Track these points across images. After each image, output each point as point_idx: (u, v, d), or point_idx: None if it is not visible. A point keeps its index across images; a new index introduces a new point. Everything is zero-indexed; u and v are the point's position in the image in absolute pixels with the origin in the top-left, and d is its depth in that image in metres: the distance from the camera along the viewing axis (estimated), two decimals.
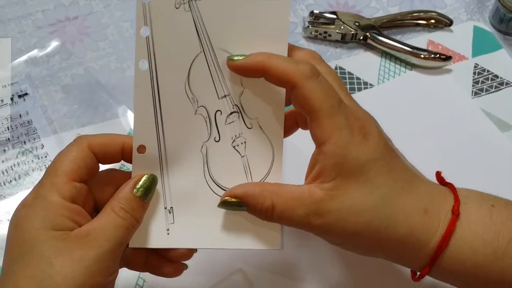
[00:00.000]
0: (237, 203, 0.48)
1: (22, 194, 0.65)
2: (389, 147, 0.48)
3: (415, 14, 0.81)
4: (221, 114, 0.49)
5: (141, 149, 0.49)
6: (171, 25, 0.47)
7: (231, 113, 0.49)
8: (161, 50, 0.47)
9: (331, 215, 0.45)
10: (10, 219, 0.46)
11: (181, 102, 0.48)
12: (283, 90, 0.48)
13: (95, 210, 0.49)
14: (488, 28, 0.81)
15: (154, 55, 0.47)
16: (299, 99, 0.46)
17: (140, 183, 0.48)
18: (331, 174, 0.45)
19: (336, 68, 0.77)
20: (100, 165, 0.50)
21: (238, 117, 0.49)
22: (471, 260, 0.46)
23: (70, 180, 0.46)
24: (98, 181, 0.49)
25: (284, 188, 0.47)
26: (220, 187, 0.50)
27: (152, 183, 0.48)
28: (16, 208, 0.46)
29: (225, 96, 0.49)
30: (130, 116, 0.72)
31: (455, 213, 0.47)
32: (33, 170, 0.68)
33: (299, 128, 0.53)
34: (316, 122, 0.45)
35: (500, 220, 0.47)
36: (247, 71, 0.47)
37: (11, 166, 0.68)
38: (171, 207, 0.50)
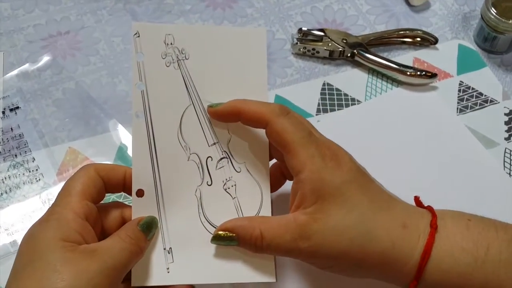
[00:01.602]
0: (228, 237, 0.51)
1: (12, 207, 0.66)
2: (362, 172, 0.51)
3: (401, 32, 0.83)
4: (211, 160, 0.54)
5: (140, 193, 0.53)
6: (163, 81, 0.54)
7: (221, 158, 0.55)
8: (154, 103, 0.54)
9: (317, 236, 0.48)
10: (25, 233, 0.49)
11: (175, 149, 0.54)
12: (265, 136, 0.53)
13: (102, 235, 0.52)
14: (472, 46, 0.83)
15: (149, 107, 0.53)
16: (273, 135, 0.50)
17: (144, 220, 0.52)
18: (311, 199, 0.48)
19: (324, 84, 0.78)
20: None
21: (227, 162, 0.54)
22: (454, 270, 0.48)
23: (82, 199, 0.50)
24: (106, 209, 0.53)
25: (270, 218, 0.51)
26: (215, 227, 0.53)
27: (153, 221, 0.52)
28: (33, 224, 0.49)
29: (214, 143, 0.54)
30: (121, 130, 0.72)
31: (433, 227, 0.49)
32: (24, 183, 0.68)
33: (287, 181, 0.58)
34: (290, 153, 0.49)
35: (477, 231, 0.49)
36: (225, 115, 0.53)
37: (2, 179, 0.68)
38: (170, 248, 0.53)
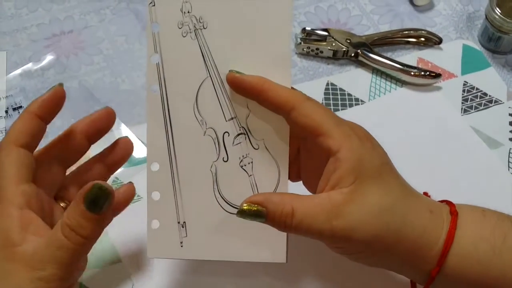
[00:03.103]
0: (255, 212, 0.47)
1: None
2: (389, 157, 0.50)
3: (405, 32, 0.82)
4: (228, 135, 0.52)
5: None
6: (179, 53, 0.51)
7: (238, 134, 0.52)
8: (170, 76, 0.51)
9: (353, 217, 0.46)
10: None
11: (190, 123, 0.52)
12: None
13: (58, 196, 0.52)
14: (477, 46, 0.83)
15: (164, 80, 0.51)
16: (301, 119, 0.48)
17: (87, 195, 0.45)
18: (349, 179, 0.47)
19: (327, 84, 0.78)
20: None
21: (245, 139, 0.52)
22: (473, 257, 0.48)
23: (18, 184, 0.47)
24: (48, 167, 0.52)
25: (303, 196, 0.48)
26: (229, 204, 0.53)
27: (100, 192, 0.46)
28: None
29: (232, 118, 0.52)
30: (124, 129, 0.72)
31: (454, 213, 0.49)
32: None
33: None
34: (324, 134, 0.47)
35: (493, 220, 0.49)
36: (245, 88, 0.50)
37: None
38: (184, 222, 0.53)
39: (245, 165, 0.53)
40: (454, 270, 0.48)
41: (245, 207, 0.48)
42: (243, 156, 0.53)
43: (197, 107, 0.52)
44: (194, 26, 0.51)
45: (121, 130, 0.72)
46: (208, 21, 0.51)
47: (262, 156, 0.53)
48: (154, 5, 0.51)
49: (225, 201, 0.53)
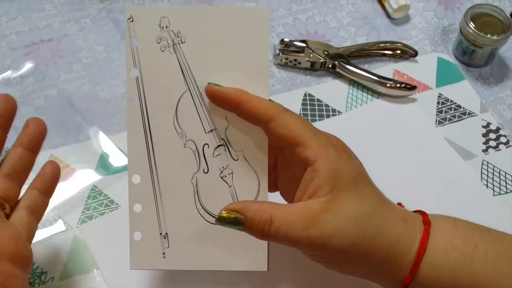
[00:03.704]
0: (234, 219, 0.48)
1: None
2: (364, 167, 0.52)
3: (382, 44, 0.84)
4: (208, 147, 0.53)
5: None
6: (158, 67, 0.52)
7: (218, 146, 0.53)
8: (149, 89, 0.52)
9: (330, 225, 0.47)
10: None
11: (170, 136, 0.53)
12: None
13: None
14: (451, 59, 0.84)
15: (144, 94, 0.52)
16: (279, 130, 0.49)
17: None
18: (326, 188, 0.48)
19: (305, 95, 0.79)
20: None
21: (225, 150, 0.53)
22: (445, 265, 0.49)
23: None
24: None
25: (281, 204, 0.49)
26: (211, 214, 0.54)
27: None
28: None
29: (211, 130, 0.53)
30: (102, 138, 0.72)
31: (427, 223, 0.50)
32: None
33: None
34: (302, 144, 0.49)
35: (464, 230, 0.51)
36: (223, 99, 0.51)
37: None
38: (166, 233, 0.54)
39: (225, 176, 0.53)
40: (427, 279, 0.49)
41: (223, 214, 0.48)
42: (223, 167, 0.53)
43: (177, 120, 0.53)
44: (173, 40, 0.52)
45: (99, 138, 0.73)
46: (186, 35, 0.52)
47: (241, 167, 0.54)
48: (132, 21, 0.52)
49: (206, 212, 0.53)
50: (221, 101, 0.51)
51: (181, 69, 0.52)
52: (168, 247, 0.54)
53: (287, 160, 0.53)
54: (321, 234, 0.47)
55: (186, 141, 0.53)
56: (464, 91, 0.81)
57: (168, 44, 0.52)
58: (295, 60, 0.81)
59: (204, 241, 0.54)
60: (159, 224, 0.53)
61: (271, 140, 0.52)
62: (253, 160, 0.54)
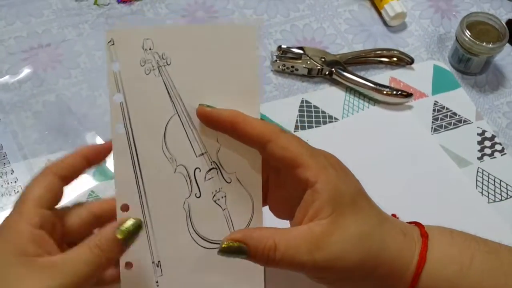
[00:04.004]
0: (237, 249, 0.47)
1: None
2: (360, 183, 0.52)
3: (378, 52, 0.84)
4: (200, 171, 0.51)
5: (125, 207, 0.51)
6: (143, 90, 0.50)
7: (210, 169, 0.52)
8: (135, 114, 0.50)
9: (334, 247, 0.47)
10: None
11: (159, 162, 0.51)
12: None
13: (64, 241, 0.50)
14: (447, 67, 0.85)
15: (129, 119, 0.50)
16: (277, 151, 0.48)
17: (125, 225, 0.48)
18: (328, 210, 0.47)
19: (302, 101, 0.79)
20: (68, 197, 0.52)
21: (217, 173, 0.52)
22: (443, 276, 0.49)
23: (37, 207, 0.48)
24: (68, 212, 0.51)
25: (282, 229, 0.48)
26: (205, 240, 0.52)
27: (137, 228, 0.48)
28: None
29: (202, 154, 0.52)
30: (100, 143, 0.73)
31: (424, 235, 0.50)
32: (2, 195, 0.68)
33: None
34: (301, 166, 0.48)
35: (461, 241, 0.51)
36: (217, 122, 0.50)
37: None
38: (159, 261, 0.52)
39: (218, 200, 0.52)
40: None
41: (225, 246, 0.47)
42: (216, 190, 0.52)
43: (166, 145, 0.51)
44: (157, 62, 0.50)
45: (97, 143, 0.73)
46: (171, 57, 0.50)
47: (235, 189, 0.52)
48: (113, 44, 0.49)
49: (200, 237, 0.52)
50: (214, 122, 0.50)
51: (168, 92, 0.50)
52: (161, 275, 0.52)
53: (281, 179, 0.52)
54: (326, 257, 0.47)
55: (177, 166, 0.51)
56: (460, 99, 0.82)
57: (153, 66, 0.50)
58: (292, 66, 0.81)
59: (199, 267, 0.52)
60: (151, 252, 0.52)
61: (266, 161, 0.52)
62: (246, 181, 0.52)
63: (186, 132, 0.51)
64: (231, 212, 0.52)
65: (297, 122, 0.77)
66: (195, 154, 0.51)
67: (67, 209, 0.52)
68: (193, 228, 0.52)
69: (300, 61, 0.81)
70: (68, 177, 0.51)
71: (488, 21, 0.82)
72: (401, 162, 0.75)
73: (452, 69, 0.85)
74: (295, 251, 0.47)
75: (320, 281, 0.50)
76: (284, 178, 0.51)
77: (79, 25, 0.84)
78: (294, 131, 0.76)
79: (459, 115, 0.80)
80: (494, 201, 0.72)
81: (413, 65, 0.84)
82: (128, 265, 0.52)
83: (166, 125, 0.51)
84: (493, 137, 0.78)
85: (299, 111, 0.78)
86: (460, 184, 0.73)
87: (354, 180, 0.50)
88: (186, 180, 0.51)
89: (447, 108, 0.80)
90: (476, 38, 0.79)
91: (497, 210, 0.71)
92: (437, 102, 0.81)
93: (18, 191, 0.68)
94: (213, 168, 0.52)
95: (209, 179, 0.52)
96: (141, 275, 0.52)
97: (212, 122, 0.50)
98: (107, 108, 0.76)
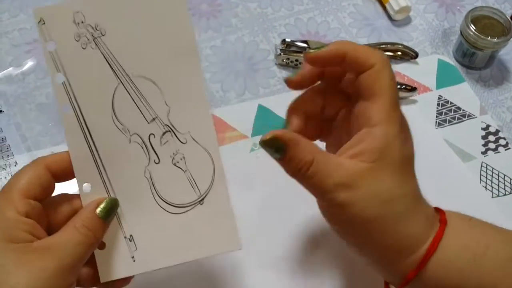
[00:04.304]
0: (278, 146, 0.47)
1: None
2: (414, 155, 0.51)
3: (383, 46, 0.84)
4: (154, 137, 0.51)
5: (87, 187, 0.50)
6: (83, 65, 0.49)
7: (164, 133, 0.51)
8: (80, 92, 0.49)
9: (360, 191, 0.47)
10: None
11: (113, 134, 0.50)
12: (204, 98, 0.51)
13: (47, 231, 0.49)
14: (451, 61, 0.84)
15: (75, 98, 0.49)
16: (370, 78, 0.48)
17: (102, 205, 0.49)
18: (372, 156, 0.47)
19: None
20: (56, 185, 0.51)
21: (171, 136, 0.51)
22: (454, 265, 0.48)
23: (24, 197, 0.47)
24: (53, 203, 0.50)
25: (323, 152, 0.48)
26: (172, 205, 0.51)
27: (113, 205, 0.50)
28: None
29: (153, 119, 0.51)
30: None
31: (443, 222, 0.50)
32: None
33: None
34: (376, 104, 0.48)
35: (478, 229, 0.50)
36: (327, 59, 0.50)
37: None
38: (131, 235, 0.51)
39: (178, 162, 0.51)
40: (432, 278, 0.49)
41: (269, 138, 0.48)
42: (173, 153, 0.51)
43: (116, 116, 0.50)
44: (92, 35, 0.49)
45: None
46: (105, 27, 0.49)
47: (191, 148, 0.51)
48: (44, 23, 0.48)
49: (167, 203, 0.51)
50: (323, 62, 0.50)
51: (108, 63, 0.49)
52: (136, 249, 0.51)
53: (347, 116, 0.52)
54: (348, 197, 0.47)
55: (130, 136, 0.50)
56: (464, 93, 0.81)
57: (88, 40, 0.49)
58: (296, 60, 0.81)
59: (171, 234, 0.51)
60: (122, 228, 0.51)
61: (344, 91, 0.52)
62: (202, 138, 0.51)
63: (133, 100, 0.50)
64: (193, 172, 0.51)
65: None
66: (147, 121, 0.51)
67: (54, 201, 0.51)
68: (158, 195, 0.51)
69: None
70: (59, 174, 0.50)
71: (493, 15, 0.82)
72: None
73: (456, 63, 0.84)
74: (326, 176, 0.47)
75: (329, 218, 0.50)
76: (353, 114, 0.51)
77: None
78: None
79: (463, 110, 0.79)
80: (498, 195, 0.72)
81: (417, 59, 0.84)
82: (101, 245, 0.50)
83: (113, 97, 0.50)
84: (497, 131, 0.78)
85: None
86: (464, 179, 0.73)
87: (409, 147, 0.50)
88: (143, 148, 0.51)
89: (451, 103, 0.80)
90: (480, 32, 0.79)
91: (501, 205, 0.71)
92: (441, 97, 0.80)
93: None
94: (167, 132, 0.51)
95: (164, 143, 0.51)
96: (116, 253, 0.51)
97: (321, 62, 0.50)
98: None
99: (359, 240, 0.50)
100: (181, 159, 0.51)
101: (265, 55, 0.83)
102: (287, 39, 0.83)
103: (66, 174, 0.50)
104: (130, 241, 0.51)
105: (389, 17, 0.89)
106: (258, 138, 0.73)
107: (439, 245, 0.48)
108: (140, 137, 0.51)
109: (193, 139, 0.51)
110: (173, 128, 0.51)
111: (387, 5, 0.88)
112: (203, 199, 0.51)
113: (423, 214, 0.49)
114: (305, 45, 0.82)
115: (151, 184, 0.51)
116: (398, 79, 0.81)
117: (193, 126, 0.51)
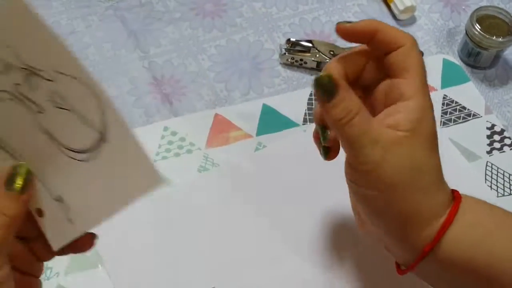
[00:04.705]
0: (331, 88, 0.48)
1: None
2: None
3: None
4: (21, 85, 0.44)
5: None
6: None
7: (26, 77, 0.44)
8: None
9: (395, 154, 0.48)
10: None
11: None
12: (46, 27, 0.41)
13: None
14: (456, 61, 0.84)
15: None
16: (402, 56, 0.50)
17: (6, 177, 0.44)
18: (409, 125, 0.48)
19: (311, 94, 0.79)
20: None
21: (36, 77, 0.44)
22: (467, 239, 0.49)
23: None
24: None
25: (367, 112, 0.49)
26: (78, 151, 0.45)
27: (19, 171, 0.45)
28: None
29: (7, 67, 0.44)
30: None
31: (458, 198, 0.51)
32: None
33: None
34: (409, 80, 0.50)
35: (490, 208, 0.52)
36: (360, 33, 0.51)
37: None
38: (59, 195, 0.47)
39: (59, 104, 0.44)
40: (444, 253, 0.49)
41: (325, 74, 0.48)
42: (50, 96, 0.44)
43: None
44: None
45: None
46: None
47: (64, 83, 0.43)
48: None
49: (73, 151, 0.45)
50: (356, 36, 0.52)
51: None
52: (70, 209, 0.46)
53: (380, 90, 0.53)
54: (382, 155, 0.48)
55: None
56: (469, 93, 0.81)
57: None
58: (301, 59, 0.81)
59: (93, 184, 0.46)
60: (48, 191, 0.46)
61: (380, 65, 0.53)
62: (65, 67, 0.42)
63: None
64: (78, 108, 0.44)
65: (305, 115, 0.77)
66: (1, 73, 0.45)
67: None
68: (60, 145, 0.45)
69: (309, 54, 0.81)
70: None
71: (498, 15, 0.81)
72: None
73: (461, 63, 0.84)
74: (365, 131, 0.48)
75: (357, 177, 0.50)
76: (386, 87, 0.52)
77: (88, 17, 0.84)
78: (303, 124, 0.76)
79: (468, 109, 0.79)
80: (503, 195, 0.72)
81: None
82: (39, 212, 0.47)
83: None
84: (502, 131, 0.77)
85: (308, 104, 0.78)
86: (469, 178, 0.73)
87: (436, 126, 0.51)
88: (18, 103, 0.45)
89: (456, 102, 0.80)
90: (486, 32, 0.79)
91: (506, 204, 0.69)
92: (446, 96, 0.80)
93: None
94: (27, 74, 0.44)
95: (35, 88, 0.44)
96: (54, 218, 0.47)
97: (354, 35, 0.52)
98: (115, 100, 0.76)
99: (380, 205, 0.50)
100: (60, 99, 0.44)
101: (269, 55, 0.83)
102: (291, 39, 0.83)
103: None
104: (61, 201, 0.47)
105: (394, 16, 0.88)
106: (262, 138, 0.74)
107: (455, 218, 0.49)
108: (7, 92, 0.45)
109: (57, 72, 0.43)
110: (32, 69, 0.43)
111: (392, 5, 0.88)
112: (104, 134, 0.44)
113: (443, 190, 0.51)
114: (310, 44, 0.82)
115: (49, 136, 0.45)
116: None
117: (48, 59, 0.43)
